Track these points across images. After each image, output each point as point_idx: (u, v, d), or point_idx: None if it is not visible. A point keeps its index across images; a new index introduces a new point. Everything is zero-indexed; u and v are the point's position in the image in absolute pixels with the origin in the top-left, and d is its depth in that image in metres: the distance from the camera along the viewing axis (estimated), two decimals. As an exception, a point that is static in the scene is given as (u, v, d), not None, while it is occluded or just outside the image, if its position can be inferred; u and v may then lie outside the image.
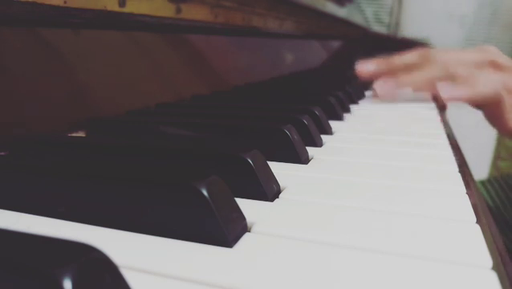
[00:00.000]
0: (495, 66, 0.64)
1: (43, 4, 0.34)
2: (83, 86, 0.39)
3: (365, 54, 0.90)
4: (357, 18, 2.04)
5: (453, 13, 2.43)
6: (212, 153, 0.26)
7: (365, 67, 0.71)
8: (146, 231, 0.20)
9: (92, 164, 0.23)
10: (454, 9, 2.43)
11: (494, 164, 2.29)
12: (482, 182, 0.87)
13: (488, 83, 0.64)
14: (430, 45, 1.70)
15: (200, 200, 0.19)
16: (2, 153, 0.29)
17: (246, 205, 0.22)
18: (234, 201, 0.21)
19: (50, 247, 0.13)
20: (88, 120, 0.37)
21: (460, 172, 0.31)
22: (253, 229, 0.21)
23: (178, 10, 0.53)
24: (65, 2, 0.36)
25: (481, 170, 2.15)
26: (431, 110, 0.62)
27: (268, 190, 0.25)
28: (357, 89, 0.71)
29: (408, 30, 2.46)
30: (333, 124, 0.46)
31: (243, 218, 0.21)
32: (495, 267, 0.18)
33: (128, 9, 0.44)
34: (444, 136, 0.43)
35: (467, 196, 0.26)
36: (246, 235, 0.20)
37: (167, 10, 0.51)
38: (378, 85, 0.68)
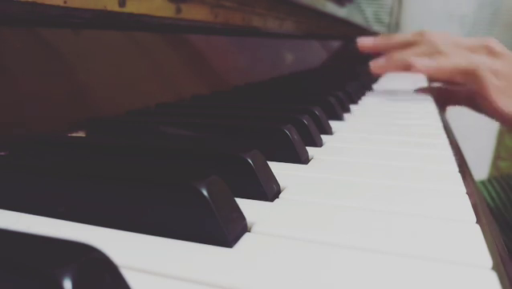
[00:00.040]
0: (489, 51, 0.66)
1: (43, 4, 0.34)
2: (83, 86, 0.39)
3: (365, 54, 0.90)
4: (357, 18, 2.04)
5: (453, 13, 2.43)
6: (212, 153, 0.26)
7: (365, 41, 0.78)
8: (146, 231, 0.20)
9: (92, 164, 0.23)
10: (454, 9, 2.43)
11: (494, 164, 2.29)
12: (482, 182, 0.87)
13: (465, 58, 0.66)
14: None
15: (200, 200, 0.19)
16: (2, 153, 0.29)
17: (246, 205, 0.22)
18: (234, 201, 0.21)
19: (50, 247, 0.13)
20: (88, 120, 0.37)
21: (460, 172, 0.31)
22: (253, 229, 0.21)
23: (178, 10, 0.53)
24: (65, 2, 0.36)
25: (481, 170, 2.15)
26: (431, 110, 0.62)
27: (268, 190, 0.25)
28: (357, 89, 0.71)
29: (408, 30, 2.46)
30: (333, 124, 0.46)
31: (243, 218, 0.21)
32: (495, 267, 0.18)
33: (128, 9, 0.44)
34: (444, 136, 0.43)
35: (467, 196, 0.26)
36: (246, 235, 0.20)
37: (167, 10, 0.51)
38: (372, 62, 0.75)
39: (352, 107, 0.60)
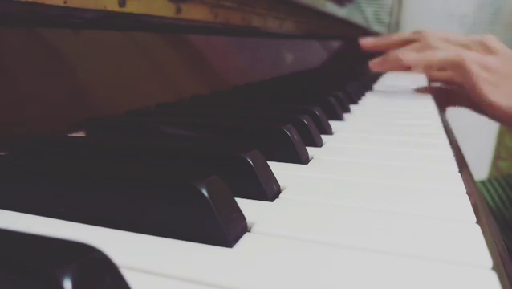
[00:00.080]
0: (484, 47, 0.68)
1: (43, 4, 0.34)
2: (83, 86, 0.39)
3: (365, 54, 0.91)
4: (357, 18, 2.04)
5: (453, 13, 2.43)
6: (212, 153, 0.26)
7: (367, 40, 0.83)
8: (146, 231, 0.20)
9: (92, 164, 0.23)
10: (454, 9, 2.43)
11: (494, 164, 2.29)
12: (482, 182, 0.87)
13: (453, 51, 0.68)
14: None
15: (200, 200, 0.19)
16: (2, 153, 0.29)
17: (246, 205, 0.22)
18: (234, 201, 0.21)
19: (50, 247, 0.13)
20: (88, 120, 0.37)
21: (460, 172, 0.31)
22: (253, 229, 0.21)
23: (178, 10, 0.53)
24: (65, 2, 0.36)
25: (481, 170, 2.15)
26: (431, 110, 0.62)
27: (268, 190, 0.25)
28: (357, 89, 0.71)
29: (408, 30, 2.46)
30: (333, 124, 0.46)
31: (243, 218, 0.21)
32: (495, 267, 0.18)
33: (128, 9, 0.44)
34: (445, 136, 0.43)
35: (467, 196, 0.26)
36: (246, 235, 0.20)
37: (167, 10, 0.51)
38: (371, 61, 0.79)
39: (352, 107, 0.60)
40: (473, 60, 0.65)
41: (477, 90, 0.64)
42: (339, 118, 0.51)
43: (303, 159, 0.33)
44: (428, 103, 0.68)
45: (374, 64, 0.79)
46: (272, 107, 0.49)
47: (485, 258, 0.18)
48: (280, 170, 0.29)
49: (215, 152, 0.26)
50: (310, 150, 0.35)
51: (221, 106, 0.50)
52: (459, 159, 0.35)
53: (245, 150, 0.25)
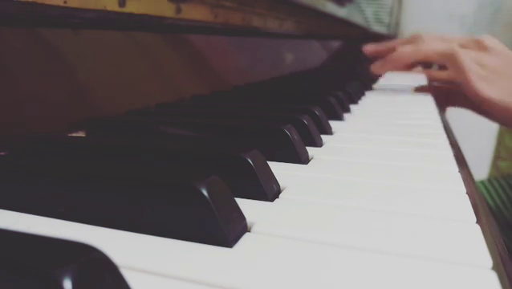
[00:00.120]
0: (480, 46, 0.68)
1: (43, 4, 0.34)
2: (83, 86, 0.39)
3: (365, 54, 0.91)
4: (357, 18, 2.04)
5: (453, 13, 2.43)
6: (212, 153, 0.26)
7: (369, 46, 0.87)
8: (146, 231, 0.20)
9: (92, 164, 0.23)
10: (454, 9, 2.43)
11: (494, 164, 2.29)
12: (482, 182, 0.87)
13: (443, 45, 0.70)
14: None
15: (200, 200, 0.19)
16: (2, 153, 0.29)
17: (246, 205, 0.22)
18: (234, 201, 0.21)
19: (50, 247, 0.13)
20: (88, 120, 0.37)
21: (460, 172, 0.31)
22: (253, 229, 0.21)
23: (178, 10, 0.53)
24: (65, 2, 0.36)
25: (481, 170, 2.15)
26: (431, 110, 0.62)
27: (268, 190, 0.25)
28: (357, 89, 0.71)
29: (408, 30, 2.46)
30: (333, 124, 0.46)
31: (243, 218, 0.21)
32: (495, 267, 0.18)
33: (128, 9, 0.44)
34: (445, 136, 0.43)
35: (467, 196, 0.26)
36: (246, 235, 0.20)
37: (167, 10, 0.51)
38: (373, 64, 0.82)
39: (352, 107, 0.60)
40: (467, 55, 0.66)
41: (470, 84, 0.64)
42: (339, 118, 0.51)
43: (303, 159, 0.33)
44: (428, 103, 0.68)
45: (375, 67, 0.81)
46: (272, 107, 0.49)
47: (485, 258, 0.18)
48: (280, 170, 0.29)
49: (215, 152, 0.26)
50: (310, 150, 0.35)
51: (221, 106, 0.50)
52: (459, 159, 0.35)
53: (245, 150, 0.25)
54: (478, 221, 0.22)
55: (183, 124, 0.37)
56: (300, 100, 0.55)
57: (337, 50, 1.53)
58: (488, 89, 0.63)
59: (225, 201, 0.20)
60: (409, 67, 0.81)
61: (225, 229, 0.19)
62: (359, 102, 0.67)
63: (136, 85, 0.46)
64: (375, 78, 1.02)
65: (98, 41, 0.43)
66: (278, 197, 0.25)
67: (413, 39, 0.79)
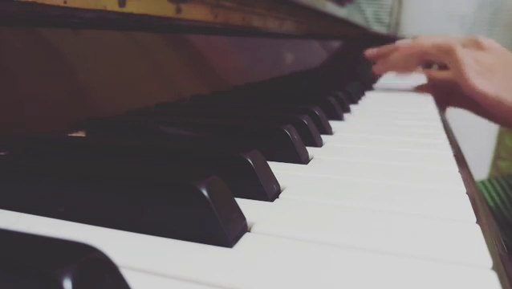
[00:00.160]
0: (477, 46, 0.69)
1: (43, 4, 0.34)
2: (83, 86, 0.39)
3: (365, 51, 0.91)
4: (357, 18, 2.04)
5: (453, 13, 2.43)
6: (212, 153, 0.26)
7: (370, 51, 0.88)
8: (146, 231, 0.20)
9: (92, 164, 0.23)
10: (454, 9, 2.43)
11: (494, 164, 2.29)
12: (482, 182, 0.87)
13: (441, 39, 0.72)
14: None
15: (200, 200, 0.19)
16: (2, 153, 0.29)
17: (246, 205, 0.22)
18: (234, 201, 0.21)
19: (50, 247, 0.13)
20: (88, 120, 0.37)
21: (460, 172, 0.31)
22: (253, 229, 0.21)
23: (178, 10, 0.53)
24: (65, 2, 0.36)
25: (481, 170, 2.15)
26: (431, 110, 0.62)
27: (268, 190, 0.25)
28: (357, 89, 0.71)
29: (408, 30, 2.46)
30: (333, 124, 0.46)
31: (243, 218, 0.21)
32: (495, 267, 0.18)
33: (128, 9, 0.44)
34: (445, 136, 0.43)
35: (467, 196, 0.26)
36: (246, 235, 0.20)
37: (167, 10, 0.51)
38: (374, 66, 0.85)
39: (352, 107, 0.60)
40: (464, 51, 0.67)
41: (466, 78, 0.65)
42: (339, 118, 0.51)
43: (303, 159, 0.33)
44: (428, 103, 0.68)
45: (377, 67, 0.84)
46: (272, 107, 0.49)
47: (485, 258, 0.18)
48: (280, 170, 0.29)
49: (215, 152, 0.26)
50: (310, 150, 0.35)
51: (221, 106, 0.50)
52: (459, 159, 0.35)
53: (245, 150, 0.25)
54: (478, 221, 0.22)
55: (183, 124, 0.37)
56: (300, 100, 0.55)
57: (337, 50, 1.53)
58: (483, 84, 0.63)
59: (225, 201, 0.20)
60: (409, 67, 0.81)
61: (225, 229, 0.19)
62: (359, 102, 0.67)
63: (136, 85, 0.46)
64: (375, 78, 1.02)
65: (98, 41, 0.43)
66: (278, 197, 0.25)
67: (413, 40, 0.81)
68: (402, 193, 0.26)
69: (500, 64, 0.65)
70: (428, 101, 0.71)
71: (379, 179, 0.29)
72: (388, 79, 1.08)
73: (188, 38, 0.60)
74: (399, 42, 0.80)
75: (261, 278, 0.16)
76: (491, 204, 0.81)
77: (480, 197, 0.28)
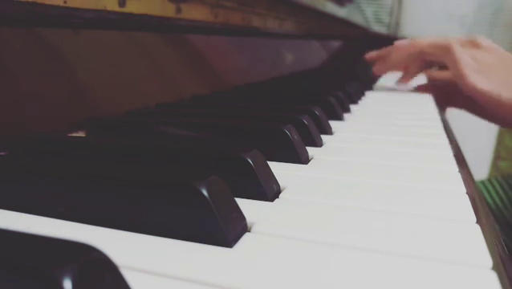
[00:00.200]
0: (474, 45, 0.70)
1: (43, 4, 0.34)
2: (83, 86, 0.39)
3: (365, 54, 0.91)
4: (357, 18, 2.04)
5: (453, 13, 2.43)
6: (212, 153, 0.26)
7: (371, 53, 0.90)
8: (146, 231, 0.20)
9: (92, 164, 0.23)
10: (454, 9, 2.43)
11: (494, 164, 2.29)
12: (482, 182, 0.87)
13: (438, 38, 0.74)
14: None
15: (200, 200, 0.19)
16: (2, 153, 0.29)
17: (246, 205, 0.22)
18: (234, 201, 0.21)
19: (50, 247, 0.13)
20: (88, 120, 0.37)
21: (460, 172, 0.31)
22: (253, 229, 0.21)
23: (178, 10, 0.53)
24: (65, 2, 0.36)
25: (481, 170, 2.15)
26: (431, 110, 0.62)
27: (268, 190, 0.25)
28: (357, 89, 0.71)
29: (408, 30, 2.46)
30: (333, 124, 0.46)
31: (243, 218, 0.21)
32: (495, 267, 0.18)
33: (128, 9, 0.44)
34: (444, 136, 0.43)
35: (467, 196, 0.26)
36: (246, 235, 0.20)
37: (167, 10, 0.51)
38: (374, 66, 0.86)
39: (352, 107, 0.60)
40: (462, 50, 0.68)
41: (463, 75, 0.65)
42: (339, 118, 0.51)
43: (303, 159, 0.33)
44: (428, 103, 0.68)
45: (377, 68, 0.85)
46: (272, 107, 0.49)
47: (485, 258, 0.18)
48: (280, 170, 0.29)
49: (215, 152, 0.26)
50: (310, 150, 0.35)
51: (221, 106, 0.50)
52: (459, 159, 0.35)
53: (245, 150, 0.25)
54: (478, 221, 0.22)
55: (183, 124, 0.37)
56: (300, 100, 0.55)
57: (337, 50, 1.53)
58: (481, 81, 0.63)
59: (225, 201, 0.20)
60: (409, 67, 0.81)
61: (225, 229, 0.19)
62: (359, 102, 0.67)
63: (136, 85, 0.46)
64: (375, 78, 1.02)
65: (98, 41, 0.43)
66: (278, 197, 0.25)
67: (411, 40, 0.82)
68: (402, 193, 0.26)
69: (498, 63, 0.66)
70: (428, 101, 0.71)
71: (379, 179, 0.29)
72: (388, 79, 1.08)
73: (188, 38, 0.60)
74: (397, 43, 0.81)
75: (261, 278, 0.16)
76: (491, 204, 0.81)
77: (480, 197, 0.28)
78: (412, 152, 0.36)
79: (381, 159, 0.34)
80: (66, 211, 0.21)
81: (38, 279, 0.12)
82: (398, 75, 0.90)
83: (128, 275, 0.14)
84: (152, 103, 0.47)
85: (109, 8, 0.41)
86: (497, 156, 2.29)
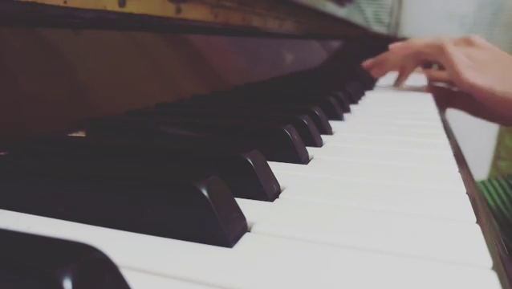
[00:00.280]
0: (468, 42, 0.71)
1: (43, 4, 0.34)
2: (83, 86, 0.39)
3: (365, 54, 0.91)
4: (357, 18, 2.04)
5: (453, 13, 2.43)
6: (212, 153, 0.26)
7: (366, 62, 0.91)
8: (146, 231, 0.20)
9: (92, 164, 0.23)
10: (454, 9, 2.43)
11: (494, 164, 2.29)
12: (482, 182, 0.87)
13: (432, 38, 0.75)
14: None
15: (200, 200, 0.19)
16: (2, 153, 0.29)
17: (246, 205, 0.22)
18: (234, 201, 0.21)
19: (50, 247, 0.13)
20: (88, 120, 0.37)
21: (460, 172, 0.31)
22: (253, 229, 0.21)
23: (178, 10, 0.53)
24: (65, 2, 0.36)
25: (481, 170, 2.15)
26: (431, 110, 0.62)
27: (268, 190, 0.25)
28: (357, 89, 0.71)
29: (408, 30, 2.46)
30: (333, 124, 0.46)
31: (243, 218, 0.21)
32: (495, 267, 0.18)
33: (128, 9, 0.44)
34: (444, 136, 0.43)
35: (467, 196, 0.26)
36: (246, 235, 0.20)
37: (167, 10, 0.51)
38: (372, 70, 0.89)
39: (352, 107, 0.60)
40: (455, 48, 0.68)
41: (458, 72, 0.65)
42: (339, 118, 0.51)
43: (303, 159, 0.33)
44: (428, 103, 0.68)
45: (375, 72, 0.88)
46: (272, 107, 0.49)
47: (485, 258, 0.18)
48: (280, 170, 0.29)
49: (215, 152, 0.26)
50: (310, 150, 0.35)
51: (221, 106, 0.50)
52: (459, 159, 0.35)
53: (245, 150, 0.25)
54: (478, 221, 0.22)
55: (183, 124, 0.37)
56: (300, 100, 0.55)
57: (337, 50, 1.53)
58: (476, 77, 0.64)
59: (225, 201, 0.20)
60: (406, 68, 0.82)
61: (225, 229, 0.19)
62: (359, 102, 0.67)
63: (136, 85, 0.46)
64: (375, 78, 1.02)
65: (98, 41, 0.43)
66: (278, 197, 0.25)
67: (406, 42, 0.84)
68: (402, 193, 0.26)
69: (492, 60, 0.66)
70: (428, 101, 0.71)
71: (379, 179, 0.29)
72: (388, 79, 1.08)
73: (188, 38, 0.60)
74: (392, 46, 0.83)
75: (261, 278, 0.16)
76: (491, 204, 0.81)
77: (480, 197, 0.28)
78: (412, 152, 0.36)
79: (381, 159, 0.34)
80: (66, 211, 0.21)
81: (38, 279, 0.12)
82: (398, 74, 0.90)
83: (128, 275, 0.14)
84: (152, 103, 0.47)
85: (109, 8, 0.41)
86: (497, 156, 2.29)
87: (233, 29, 0.72)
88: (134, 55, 0.48)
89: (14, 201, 0.23)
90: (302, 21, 1.13)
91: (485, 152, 2.30)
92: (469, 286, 0.16)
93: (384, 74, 0.89)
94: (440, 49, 0.69)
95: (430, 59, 0.78)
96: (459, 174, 0.30)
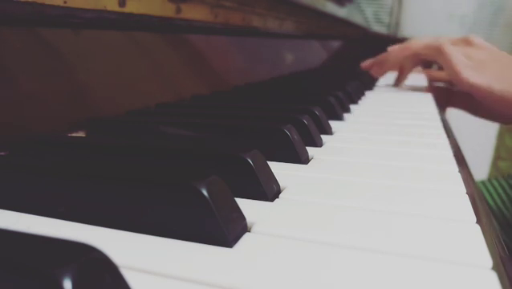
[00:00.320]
0: (467, 42, 0.71)
1: (43, 4, 0.34)
2: (83, 86, 0.39)
3: (365, 54, 0.92)
4: (357, 18, 2.04)
5: (453, 13, 2.43)
6: (212, 153, 0.26)
7: (365, 62, 0.92)
8: (146, 231, 0.20)
9: (92, 164, 0.23)
10: (454, 9, 2.43)
11: (494, 164, 2.29)
12: (482, 182, 0.87)
13: (430, 39, 0.76)
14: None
15: (200, 200, 0.19)
16: (2, 153, 0.29)
17: (246, 205, 0.22)
18: (234, 201, 0.21)
19: (50, 247, 0.13)
20: (88, 120, 0.37)
21: (460, 172, 0.31)
22: (253, 229, 0.21)
23: (178, 10, 0.53)
24: (65, 2, 0.36)
25: (481, 170, 2.15)
26: (431, 109, 0.62)
27: (268, 190, 0.25)
28: (357, 89, 0.71)
29: (408, 30, 2.46)
30: (333, 124, 0.46)
31: (243, 218, 0.21)
32: (495, 267, 0.18)
33: (128, 9, 0.44)
34: (445, 136, 0.43)
35: (467, 196, 0.26)
36: (246, 235, 0.20)
37: (167, 10, 0.51)
38: (372, 70, 0.90)
39: (352, 107, 0.60)
40: (453, 48, 0.69)
41: (457, 71, 0.66)
42: (339, 118, 0.51)
43: (303, 159, 0.33)
44: (428, 103, 0.68)
45: (374, 71, 0.88)
46: (272, 107, 0.49)
47: (485, 258, 0.18)
48: (280, 170, 0.29)
49: (215, 152, 0.26)
50: (310, 150, 0.35)
51: (221, 106, 0.50)
52: (459, 159, 0.35)
53: (245, 150, 0.25)
54: (478, 221, 0.22)
55: (183, 124, 0.37)
56: (300, 100, 0.55)
57: (337, 50, 1.53)
58: (475, 76, 0.64)
59: (225, 201, 0.20)
60: (405, 68, 0.83)
61: (225, 229, 0.19)
62: (359, 102, 0.67)
63: (136, 85, 0.46)
64: (375, 78, 1.02)
65: (98, 41, 0.43)
66: (278, 197, 0.25)
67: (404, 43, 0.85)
68: (402, 193, 0.26)
69: (491, 59, 0.66)
70: (428, 101, 0.71)
71: (379, 179, 0.29)
72: (388, 79, 1.08)
73: (188, 38, 0.60)
74: (391, 48, 0.83)
75: (261, 278, 0.16)
76: (491, 204, 0.81)
77: (480, 197, 0.28)
78: (412, 152, 0.36)
79: (381, 159, 0.34)
80: (66, 211, 0.21)
81: (38, 279, 0.12)
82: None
83: (128, 275, 0.14)
84: (152, 103, 0.47)
85: (109, 8, 0.41)
86: (497, 156, 2.29)
87: (233, 29, 0.72)
88: (134, 55, 0.48)
89: (14, 201, 0.23)
90: (302, 21, 1.13)
91: (485, 152, 2.30)
92: (469, 287, 0.16)
93: (383, 74, 0.89)
94: (438, 50, 0.70)
95: (429, 60, 0.78)
96: (459, 174, 0.30)
